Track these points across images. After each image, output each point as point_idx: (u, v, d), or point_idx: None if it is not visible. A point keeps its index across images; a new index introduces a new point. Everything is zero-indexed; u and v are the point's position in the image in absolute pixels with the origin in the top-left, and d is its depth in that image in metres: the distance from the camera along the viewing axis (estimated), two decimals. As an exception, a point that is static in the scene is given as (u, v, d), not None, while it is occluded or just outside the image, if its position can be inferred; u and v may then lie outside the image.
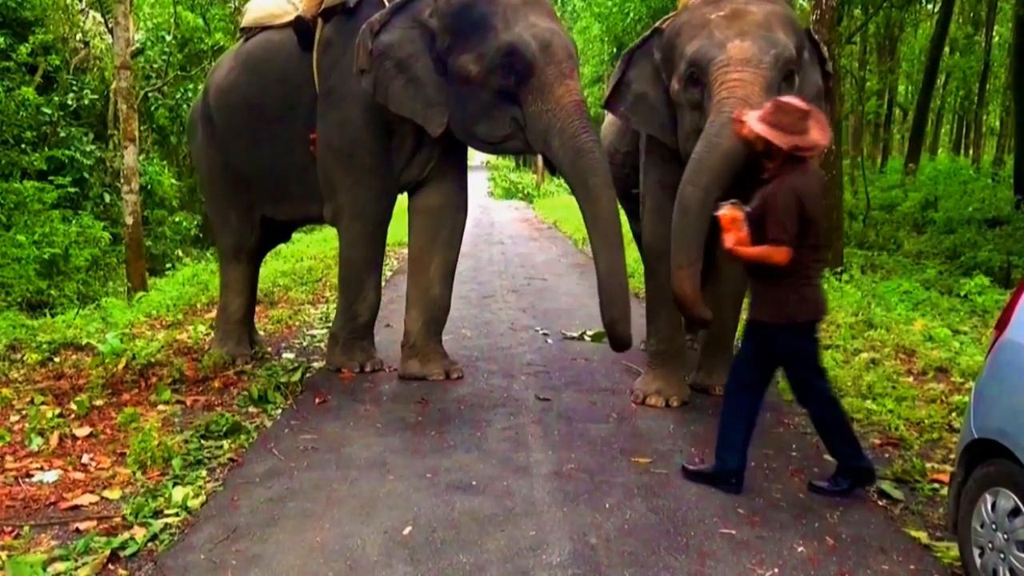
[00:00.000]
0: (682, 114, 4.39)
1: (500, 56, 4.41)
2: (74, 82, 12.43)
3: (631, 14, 17.67)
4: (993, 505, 2.60)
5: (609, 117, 6.55)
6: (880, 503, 3.46)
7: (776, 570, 2.84)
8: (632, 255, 9.88)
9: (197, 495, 3.43)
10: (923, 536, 3.14)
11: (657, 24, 4.93)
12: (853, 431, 3.62)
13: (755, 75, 4.00)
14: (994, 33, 22.64)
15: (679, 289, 4.08)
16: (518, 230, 16.15)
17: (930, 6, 21.92)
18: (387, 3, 4.79)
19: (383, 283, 9.36)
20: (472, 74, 4.52)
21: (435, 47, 4.62)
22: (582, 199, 4.46)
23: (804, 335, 3.46)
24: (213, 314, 6.57)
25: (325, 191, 5.09)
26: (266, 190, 5.43)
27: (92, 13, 13.51)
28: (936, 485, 3.60)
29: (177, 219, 13.40)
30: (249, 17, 5.48)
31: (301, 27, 4.90)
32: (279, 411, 4.60)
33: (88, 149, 12.02)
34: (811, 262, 3.42)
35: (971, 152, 25.73)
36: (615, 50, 22.71)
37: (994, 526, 2.58)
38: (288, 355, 5.89)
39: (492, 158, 55.82)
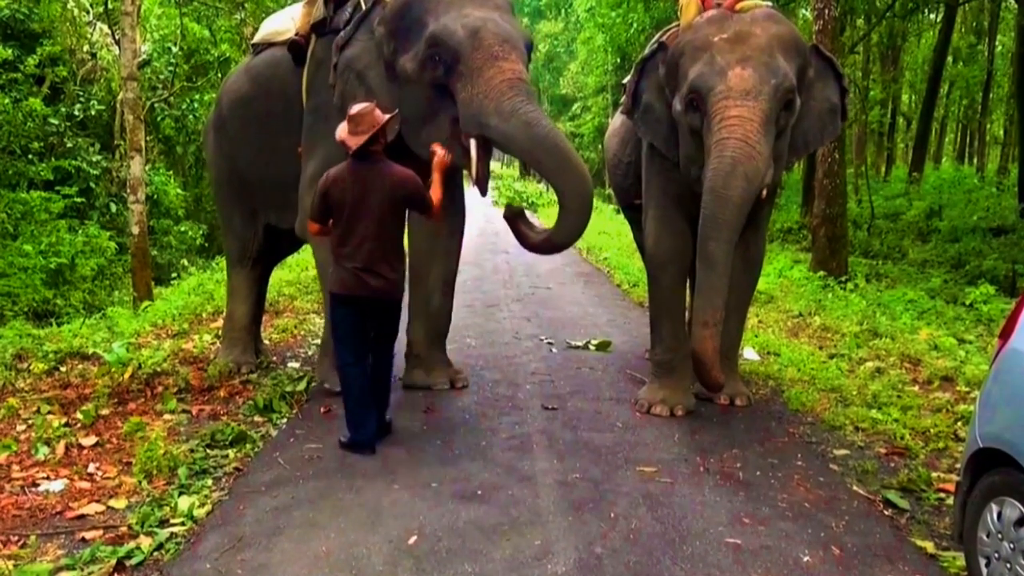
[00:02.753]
0: (683, 133, 4.42)
1: (427, 48, 4.35)
2: (81, 93, 12.52)
3: (634, 25, 17.75)
4: (999, 514, 2.59)
5: (612, 127, 6.59)
6: (886, 512, 3.46)
7: (782, 580, 2.84)
8: (637, 265, 9.95)
9: (203, 504, 3.44)
10: (929, 546, 3.13)
11: (661, 36, 4.95)
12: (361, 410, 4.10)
13: (753, 109, 4.02)
14: (997, 42, 22.67)
15: (702, 348, 4.08)
16: (522, 239, 16.15)
17: (932, 16, 21.94)
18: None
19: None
20: (408, 73, 4.46)
21: (384, 54, 4.59)
22: (553, 166, 4.19)
23: (334, 304, 4.11)
24: (218, 323, 6.59)
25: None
26: (269, 199, 5.51)
27: (99, 25, 13.60)
28: (942, 494, 3.59)
29: (183, 229, 13.45)
30: (259, 35, 5.66)
31: (294, 49, 4.98)
32: (284, 420, 4.61)
33: (94, 159, 12.10)
34: (339, 245, 4.01)
35: (975, 161, 25.71)
36: (619, 60, 22.79)
37: (1000, 535, 2.58)
38: (293, 364, 5.90)
39: (497, 167, 55.83)
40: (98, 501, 3.50)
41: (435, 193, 4.14)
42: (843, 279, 9.17)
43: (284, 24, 5.28)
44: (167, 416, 4.63)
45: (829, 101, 4.57)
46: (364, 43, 4.64)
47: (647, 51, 4.87)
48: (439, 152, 4.24)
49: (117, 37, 10.63)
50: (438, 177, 4.21)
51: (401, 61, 4.49)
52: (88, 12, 13.74)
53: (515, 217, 4.44)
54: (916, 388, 5.24)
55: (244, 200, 5.67)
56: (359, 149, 3.95)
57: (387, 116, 4.03)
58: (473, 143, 4.36)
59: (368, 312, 4.10)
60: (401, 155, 4.65)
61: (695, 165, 4.34)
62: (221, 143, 5.72)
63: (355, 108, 4.00)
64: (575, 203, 4.20)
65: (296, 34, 4.99)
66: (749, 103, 4.02)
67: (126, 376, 5.15)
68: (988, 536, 2.64)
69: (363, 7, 4.73)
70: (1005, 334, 2.82)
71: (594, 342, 6.52)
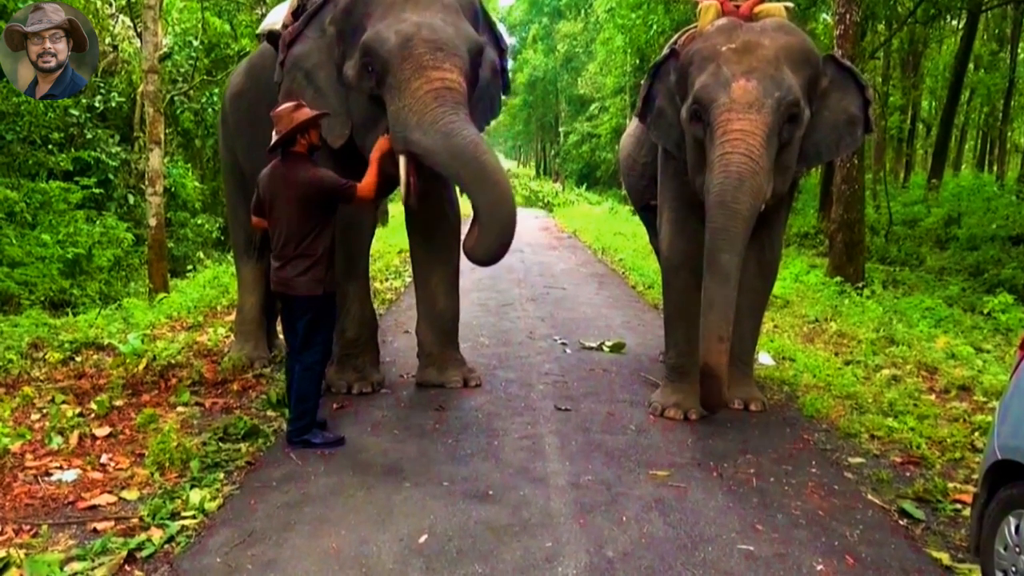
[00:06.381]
0: (688, 141, 4.40)
1: (361, 57, 4.24)
2: (102, 85, 12.58)
3: (654, 26, 17.69)
4: (1017, 528, 2.56)
5: (628, 128, 6.57)
6: (901, 522, 3.42)
7: (794, 588, 2.81)
8: (652, 266, 9.92)
9: (214, 498, 3.45)
10: (945, 557, 3.09)
11: (674, 41, 4.93)
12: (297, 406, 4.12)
13: (755, 122, 3.98)
14: (1019, 50, 22.42)
15: (715, 361, 4.04)
16: (537, 239, 16.14)
17: (955, 22, 21.74)
18: None
19: (402, 287, 9.42)
20: (350, 80, 4.37)
21: (335, 56, 4.49)
22: (470, 178, 4.02)
23: None
24: (233, 317, 6.61)
25: None
26: None
27: (122, 18, 13.68)
28: (958, 505, 3.55)
29: (199, 221, 13.51)
30: (261, 26, 5.65)
31: (271, 39, 4.91)
32: (297, 415, 4.61)
33: (114, 151, 12.16)
34: (269, 239, 4.19)
35: (995, 169, 25.44)
36: (638, 61, 22.75)
37: (1018, 549, 2.54)
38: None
39: (512, 165, 55.72)
40: (110, 492, 3.52)
41: (369, 176, 4.11)
42: (860, 285, 9.09)
43: (281, 16, 5.27)
44: (180, 408, 4.65)
45: (847, 112, 4.47)
46: (314, 41, 4.53)
47: (661, 56, 4.85)
48: (381, 138, 4.18)
49: (139, 30, 10.69)
50: (375, 157, 4.18)
51: (345, 67, 4.40)
52: (111, 5, 13.82)
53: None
54: (933, 397, 5.19)
55: (245, 192, 5.62)
56: (273, 147, 4.07)
57: (308, 115, 4.01)
58: (403, 160, 4.22)
59: (288, 306, 4.23)
60: (357, 157, 4.55)
61: (698, 173, 4.32)
62: (225, 136, 5.81)
63: (279, 107, 4.05)
64: (491, 220, 4.04)
65: (283, 25, 4.96)
66: (752, 116, 3.99)
67: (140, 368, 5.17)
68: (1005, 549, 2.61)
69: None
70: (1026, 345, 2.79)
71: (608, 343, 6.49)
